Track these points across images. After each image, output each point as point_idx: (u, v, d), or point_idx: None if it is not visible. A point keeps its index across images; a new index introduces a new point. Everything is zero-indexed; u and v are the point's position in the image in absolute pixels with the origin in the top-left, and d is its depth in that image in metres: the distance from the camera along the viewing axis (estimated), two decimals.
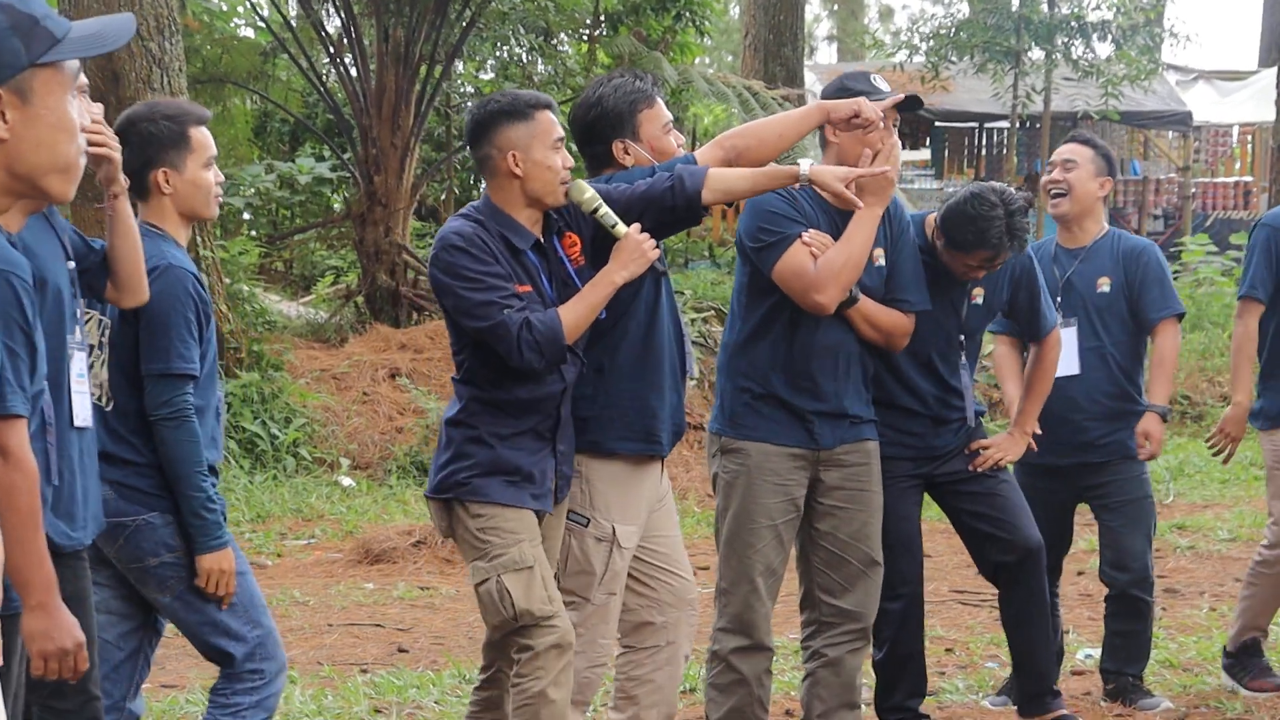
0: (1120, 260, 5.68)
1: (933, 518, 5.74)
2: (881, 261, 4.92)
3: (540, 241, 4.34)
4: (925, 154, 22.19)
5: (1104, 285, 5.69)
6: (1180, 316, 5.73)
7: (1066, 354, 5.55)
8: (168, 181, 4.14)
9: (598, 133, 4.62)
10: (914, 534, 5.22)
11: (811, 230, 4.75)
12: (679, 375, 4.63)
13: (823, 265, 4.69)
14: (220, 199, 4.27)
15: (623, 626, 4.64)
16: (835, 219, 4.79)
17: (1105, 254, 5.68)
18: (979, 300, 5.26)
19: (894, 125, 4.79)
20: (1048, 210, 5.83)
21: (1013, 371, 5.70)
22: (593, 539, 4.47)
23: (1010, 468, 5.58)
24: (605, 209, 4.30)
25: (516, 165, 4.26)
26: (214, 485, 4.14)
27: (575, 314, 4.26)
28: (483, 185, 17.69)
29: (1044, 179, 5.70)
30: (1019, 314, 5.41)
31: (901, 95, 4.76)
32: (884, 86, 4.86)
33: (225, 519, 4.15)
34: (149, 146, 4.13)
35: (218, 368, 4.28)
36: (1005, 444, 5.33)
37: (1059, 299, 5.66)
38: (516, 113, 4.28)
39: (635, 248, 4.28)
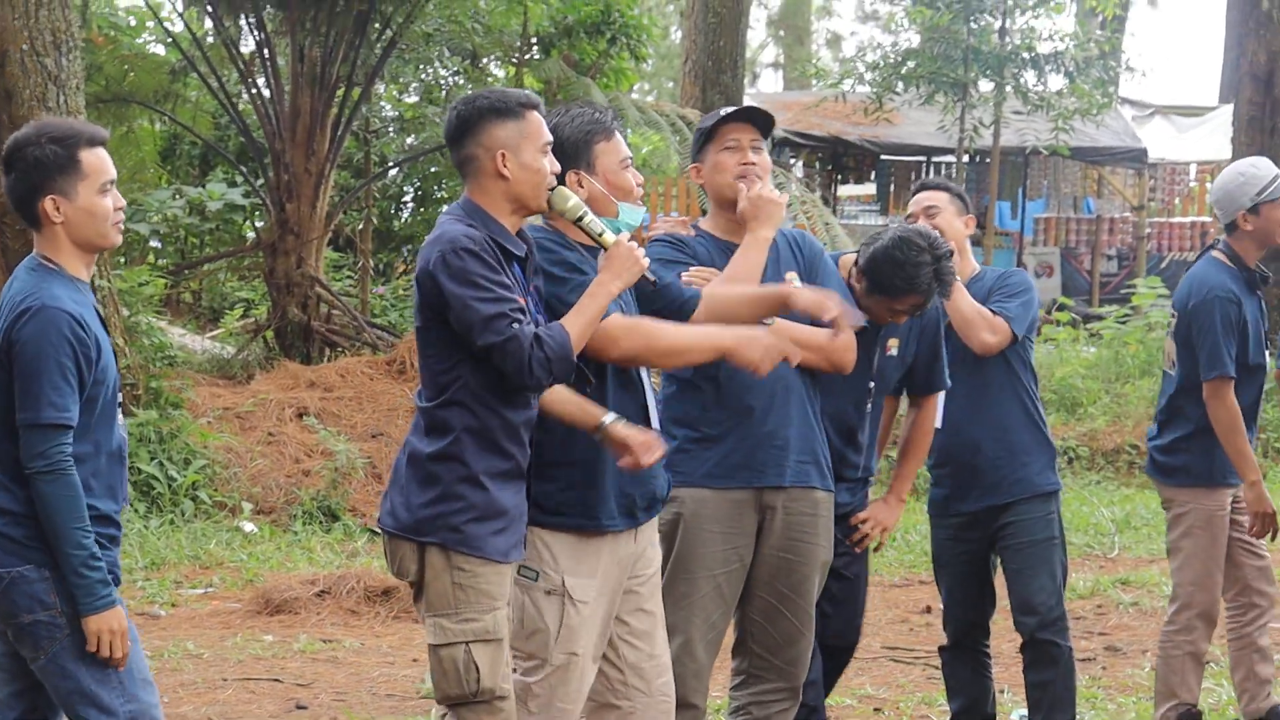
0: (993, 295, 5.76)
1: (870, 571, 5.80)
2: (798, 284, 5.01)
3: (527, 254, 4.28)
4: (870, 188, 22.35)
5: None
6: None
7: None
8: (58, 209, 4.04)
9: None
10: None
11: (693, 268, 4.85)
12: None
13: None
14: (121, 226, 4.16)
15: (585, 708, 4.58)
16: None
17: (980, 293, 5.75)
18: (893, 352, 5.38)
19: (756, 147, 4.95)
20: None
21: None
22: (542, 592, 4.38)
23: (946, 535, 5.74)
24: (590, 216, 4.30)
25: (504, 166, 4.20)
26: (116, 537, 4.04)
27: (579, 327, 4.17)
28: (405, 214, 17.55)
29: None
30: (918, 366, 5.52)
31: (732, 109, 4.99)
32: (726, 110, 5.05)
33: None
34: (35, 172, 4.04)
35: (116, 408, 4.14)
36: (882, 514, 5.47)
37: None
38: (506, 110, 4.21)
39: (627, 255, 4.24)
